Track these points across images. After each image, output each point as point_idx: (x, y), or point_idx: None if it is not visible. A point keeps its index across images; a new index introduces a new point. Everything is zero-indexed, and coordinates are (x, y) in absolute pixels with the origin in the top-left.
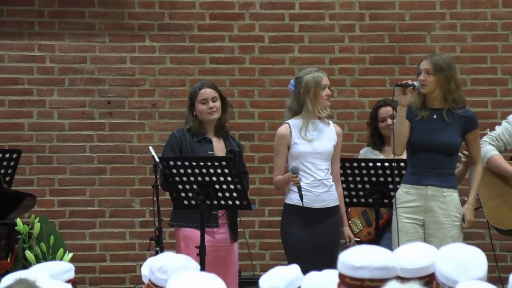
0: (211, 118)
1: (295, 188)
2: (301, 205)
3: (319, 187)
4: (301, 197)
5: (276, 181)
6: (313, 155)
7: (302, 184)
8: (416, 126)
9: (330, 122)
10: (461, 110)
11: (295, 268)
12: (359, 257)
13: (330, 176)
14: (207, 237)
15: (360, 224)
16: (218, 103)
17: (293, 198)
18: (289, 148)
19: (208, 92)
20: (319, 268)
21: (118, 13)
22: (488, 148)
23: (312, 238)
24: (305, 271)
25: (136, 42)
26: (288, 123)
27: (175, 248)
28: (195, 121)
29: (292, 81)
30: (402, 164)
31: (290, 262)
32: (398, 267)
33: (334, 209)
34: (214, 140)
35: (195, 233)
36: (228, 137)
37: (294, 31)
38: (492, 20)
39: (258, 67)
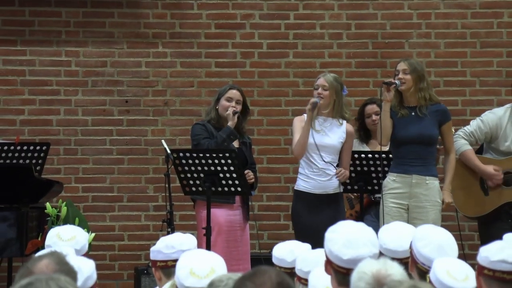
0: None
1: (301, 176)
2: (312, 191)
3: (321, 176)
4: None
5: (295, 142)
6: (318, 147)
7: (305, 171)
8: (398, 123)
9: (344, 122)
10: (434, 105)
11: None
12: (346, 250)
13: (332, 167)
14: (225, 216)
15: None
16: (239, 107)
17: (299, 185)
18: None
19: (235, 93)
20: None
21: (135, 23)
22: (462, 142)
23: (315, 220)
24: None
25: (150, 49)
26: (304, 115)
27: (195, 221)
28: (216, 115)
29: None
30: (383, 155)
31: (297, 239)
32: (378, 251)
33: (336, 196)
34: None
35: (214, 213)
36: (241, 133)
37: (289, 38)
38: (462, 29)
39: (258, 71)
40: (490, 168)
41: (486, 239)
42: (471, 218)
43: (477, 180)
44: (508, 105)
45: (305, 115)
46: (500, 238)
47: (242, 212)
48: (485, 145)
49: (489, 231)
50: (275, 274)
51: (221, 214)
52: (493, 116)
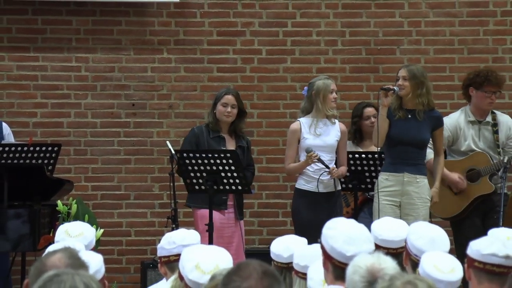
0: (225, 120)
1: (303, 175)
2: (313, 189)
3: (322, 175)
4: (326, 166)
5: (289, 168)
6: (318, 147)
7: (306, 170)
8: (395, 124)
9: (336, 121)
10: (430, 111)
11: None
12: (348, 246)
13: (331, 166)
14: (219, 215)
15: None
16: (235, 111)
17: (300, 183)
18: (299, 141)
19: (230, 98)
20: None
21: (141, 31)
22: (428, 151)
23: (315, 217)
24: (310, 243)
25: (156, 55)
26: (299, 120)
27: (194, 225)
28: (213, 118)
29: (305, 88)
30: (376, 155)
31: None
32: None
33: (336, 193)
34: (227, 137)
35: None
36: (239, 136)
37: (287, 45)
38: (450, 37)
39: (257, 75)
40: (454, 176)
41: (459, 236)
42: (446, 219)
43: (445, 183)
44: (462, 109)
45: (297, 122)
46: (472, 234)
47: (234, 210)
48: (447, 149)
49: (461, 227)
50: (259, 265)
51: (214, 212)
52: (450, 120)
